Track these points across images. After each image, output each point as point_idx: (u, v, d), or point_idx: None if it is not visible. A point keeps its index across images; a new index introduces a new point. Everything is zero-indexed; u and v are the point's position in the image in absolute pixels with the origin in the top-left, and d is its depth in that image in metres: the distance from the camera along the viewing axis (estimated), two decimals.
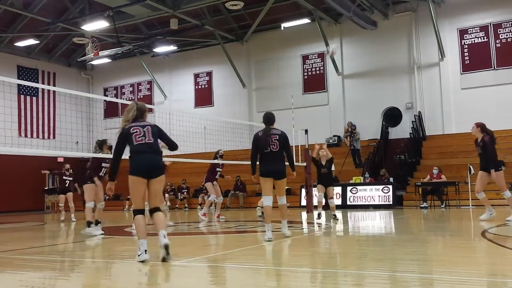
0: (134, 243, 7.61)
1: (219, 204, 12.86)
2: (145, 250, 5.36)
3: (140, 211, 5.55)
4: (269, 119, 7.30)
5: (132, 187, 5.57)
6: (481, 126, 9.18)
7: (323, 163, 11.18)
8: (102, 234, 8.88)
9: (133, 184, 5.56)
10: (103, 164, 9.24)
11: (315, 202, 12.79)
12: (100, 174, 9.25)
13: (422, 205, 15.18)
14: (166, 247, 5.25)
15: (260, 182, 7.27)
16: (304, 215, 13.60)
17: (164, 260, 5.28)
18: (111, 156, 8.92)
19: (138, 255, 5.40)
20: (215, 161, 12.72)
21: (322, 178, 11.22)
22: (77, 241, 8.26)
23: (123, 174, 5.71)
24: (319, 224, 10.12)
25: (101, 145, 9.38)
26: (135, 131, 5.69)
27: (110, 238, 8.87)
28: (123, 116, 5.94)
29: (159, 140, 6.00)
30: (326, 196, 11.33)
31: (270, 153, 7.12)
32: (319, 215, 11.17)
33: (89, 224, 8.94)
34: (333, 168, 11.76)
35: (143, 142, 5.66)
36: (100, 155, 9.26)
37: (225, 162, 15.67)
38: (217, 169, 12.65)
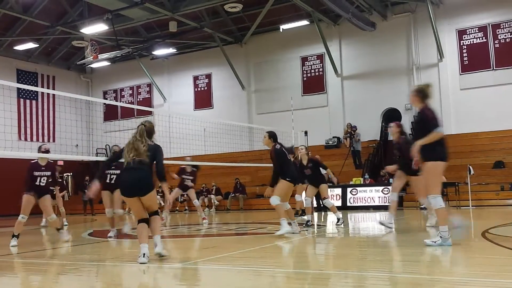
0: (134, 246, 7.60)
1: (199, 207, 12.69)
2: (144, 254, 5.54)
3: (141, 220, 5.77)
4: (276, 135, 8.41)
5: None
6: (401, 127, 8.57)
7: (304, 163, 10.03)
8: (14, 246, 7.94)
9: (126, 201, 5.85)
10: (35, 173, 8.11)
11: (304, 205, 10.93)
12: (37, 183, 8.10)
13: (422, 206, 15.17)
14: (159, 255, 5.52)
15: (285, 187, 8.05)
16: (304, 217, 13.59)
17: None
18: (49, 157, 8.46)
19: (138, 257, 5.59)
20: (192, 163, 12.73)
21: (309, 179, 10.14)
22: (77, 244, 8.26)
23: None
24: (307, 230, 9.26)
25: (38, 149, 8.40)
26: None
27: (110, 241, 8.86)
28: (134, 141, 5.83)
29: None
30: (319, 198, 10.82)
31: (290, 161, 8.33)
32: (307, 223, 9.78)
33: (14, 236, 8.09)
34: (325, 171, 10.48)
35: (132, 157, 5.72)
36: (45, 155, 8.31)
37: (225, 165, 15.69)
38: (183, 176, 12.34)
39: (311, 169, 10.03)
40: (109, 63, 25.74)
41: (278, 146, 8.12)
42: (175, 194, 12.66)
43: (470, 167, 14.81)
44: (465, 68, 19.18)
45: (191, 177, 12.37)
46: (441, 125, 6.02)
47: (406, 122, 20.03)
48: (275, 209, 7.92)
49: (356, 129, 19.87)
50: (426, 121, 6.02)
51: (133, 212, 5.85)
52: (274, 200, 7.95)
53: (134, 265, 5.59)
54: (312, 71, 22.22)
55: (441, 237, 6.10)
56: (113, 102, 25.53)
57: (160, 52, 23.98)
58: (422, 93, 6.24)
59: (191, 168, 12.49)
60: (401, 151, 8.48)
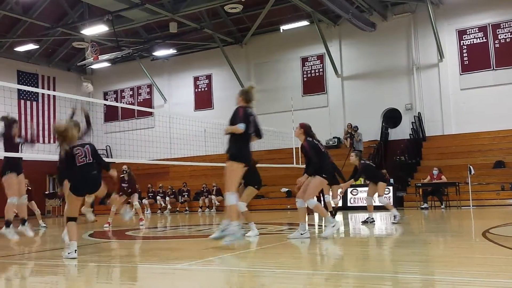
0: (137, 247, 7.64)
1: (139, 209, 13.40)
2: (75, 250, 6.14)
3: (75, 219, 6.38)
4: None
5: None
6: (304, 128, 7.63)
7: None
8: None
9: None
10: (17, 140, 8.03)
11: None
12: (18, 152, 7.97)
13: (423, 206, 15.18)
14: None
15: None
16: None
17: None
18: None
19: (68, 253, 6.15)
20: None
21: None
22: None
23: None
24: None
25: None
26: (77, 152, 6.38)
27: (111, 241, 8.88)
28: (68, 137, 6.39)
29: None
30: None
31: None
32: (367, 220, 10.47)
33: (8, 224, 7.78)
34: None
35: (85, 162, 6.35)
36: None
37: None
38: (122, 184, 13.17)
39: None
40: (110, 64, 25.75)
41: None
42: (120, 199, 13.12)
43: (471, 167, 14.82)
44: (465, 68, 19.18)
45: (127, 184, 13.29)
46: (245, 123, 6.36)
47: (406, 122, 20.10)
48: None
49: (358, 129, 19.88)
50: (237, 117, 6.40)
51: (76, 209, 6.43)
52: (239, 204, 7.36)
53: (134, 266, 5.60)
54: (312, 71, 22.23)
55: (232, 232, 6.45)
56: (114, 103, 25.52)
57: (160, 53, 24.00)
58: (246, 95, 6.56)
59: (128, 176, 13.33)
60: (307, 155, 7.68)
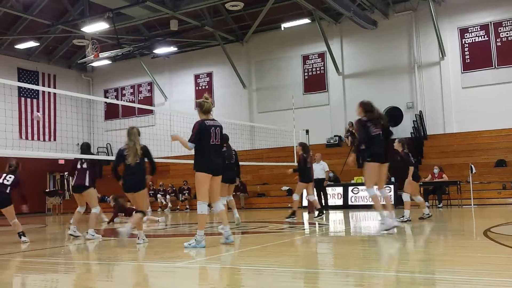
0: (137, 245, 7.61)
1: (149, 218, 13.33)
2: (143, 239, 7.39)
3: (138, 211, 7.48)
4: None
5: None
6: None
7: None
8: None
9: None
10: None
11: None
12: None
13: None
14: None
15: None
16: (305, 215, 13.58)
17: None
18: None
19: (142, 240, 7.45)
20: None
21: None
22: (78, 243, 8.25)
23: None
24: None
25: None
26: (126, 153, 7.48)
27: (111, 239, 8.86)
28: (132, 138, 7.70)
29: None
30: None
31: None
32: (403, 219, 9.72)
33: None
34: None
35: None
36: None
37: None
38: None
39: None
40: (110, 62, 25.73)
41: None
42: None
43: (472, 165, 14.78)
44: (467, 66, 19.13)
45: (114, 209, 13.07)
46: (197, 138, 6.73)
47: (407, 120, 20.05)
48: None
49: None
50: (192, 132, 6.79)
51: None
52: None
53: (135, 265, 5.58)
54: (313, 69, 22.18)
55: (195, 239, 6.54)
56: (114, 101, 25.50)
57: (161, 50, 23.96)
58: (200, 107, 6.96)
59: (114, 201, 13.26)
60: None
